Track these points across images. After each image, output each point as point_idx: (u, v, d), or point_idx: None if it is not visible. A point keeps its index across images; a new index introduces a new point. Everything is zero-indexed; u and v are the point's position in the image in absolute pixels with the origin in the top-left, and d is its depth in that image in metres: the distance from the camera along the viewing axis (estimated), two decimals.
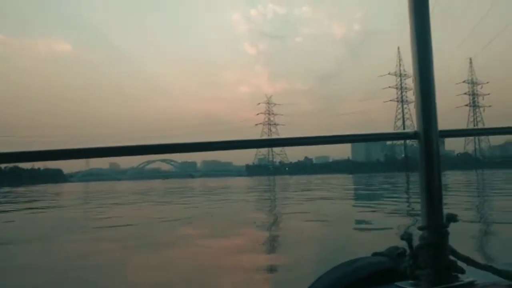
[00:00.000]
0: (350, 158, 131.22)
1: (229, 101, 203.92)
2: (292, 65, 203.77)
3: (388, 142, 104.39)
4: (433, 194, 0.96)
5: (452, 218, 0.93)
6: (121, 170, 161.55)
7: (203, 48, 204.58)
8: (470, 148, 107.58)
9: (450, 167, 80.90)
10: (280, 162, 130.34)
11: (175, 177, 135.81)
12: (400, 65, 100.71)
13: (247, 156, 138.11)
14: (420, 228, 0.94)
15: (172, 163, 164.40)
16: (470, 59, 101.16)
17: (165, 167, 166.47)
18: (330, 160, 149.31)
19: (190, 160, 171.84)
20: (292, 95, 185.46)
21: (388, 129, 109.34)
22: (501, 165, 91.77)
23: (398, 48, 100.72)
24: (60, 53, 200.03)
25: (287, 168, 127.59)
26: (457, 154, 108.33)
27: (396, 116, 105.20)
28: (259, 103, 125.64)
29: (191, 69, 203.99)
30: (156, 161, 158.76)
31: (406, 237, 0.92)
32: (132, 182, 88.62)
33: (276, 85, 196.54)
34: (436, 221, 0.94)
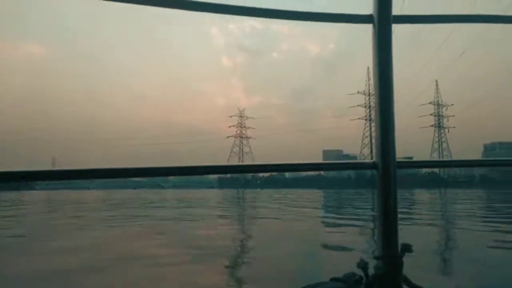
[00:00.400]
0: (322, 173, 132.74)
1: (205, 112, 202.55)
2: (268, 79, 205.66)
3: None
4: (389, 225, 0.98)
5: (407, 248, 0.96)
6: (88, 180, 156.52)
7: (181, 60, 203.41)
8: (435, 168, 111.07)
9: (418, 185, 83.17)
10: (252, 176, 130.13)
11: (144, 187, 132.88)
12: (368, 84, 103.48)
13: None
14: (375, 258, 0.96)
15: None
16: (436, 81, 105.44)
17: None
18: (303, 174, 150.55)
19: None
20: (267, 109, 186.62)
21: (357, 145, 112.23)
22: (464, 184, 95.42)
23: (368, 68, 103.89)
24: (33, 56, 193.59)
25: (258, 181, 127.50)
26: (425, 173, 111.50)
27: (363, 134, 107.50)
28: (231, 116, 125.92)
29: (169, 79, 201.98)
30: None
31: (362, 265, 0.94)
32: (99, 192, 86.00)
33: (252, 98, 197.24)
34: (391, 251, 0.96)
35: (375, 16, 1.04)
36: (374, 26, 1.04)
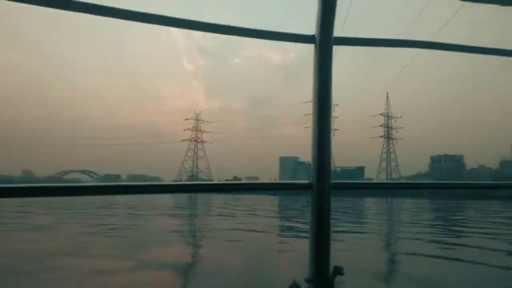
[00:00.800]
0: (278, 179, 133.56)
1: (164, 114, 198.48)
2: (229, 85, 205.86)
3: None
4: (321, 247, 0.98)
5: (338, 270, 0.96)
6: (35, 179, 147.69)
7: (141, 60, 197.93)
8: (383, 177, 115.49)
9: (367, 194, 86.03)
10: (208, 178, 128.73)
11: None
12: None
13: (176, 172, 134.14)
14: (306, 281, 0.96)
15: (92, 174, 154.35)
16: (387, 93, 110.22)
17: (86, 178, 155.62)
18: (260, 181, 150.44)
19: (113, 173, 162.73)
20: (227, 114, 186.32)
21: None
22: (410, 194, 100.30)
23: None
24: None
25: None
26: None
27: None
28: (187, 119, 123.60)
29: (128, 79, 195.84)
30: (74, 171, 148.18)
31: None
32: None
33: (211, 102, 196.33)
34: (323, 274, 0.96)
35: (317, 37, 1.08)
36: (316, 46, 1.08)
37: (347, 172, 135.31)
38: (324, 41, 1.08)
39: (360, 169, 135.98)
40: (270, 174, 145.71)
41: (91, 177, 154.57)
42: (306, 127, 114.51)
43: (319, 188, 1.03)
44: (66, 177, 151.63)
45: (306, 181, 1.08)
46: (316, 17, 1.09)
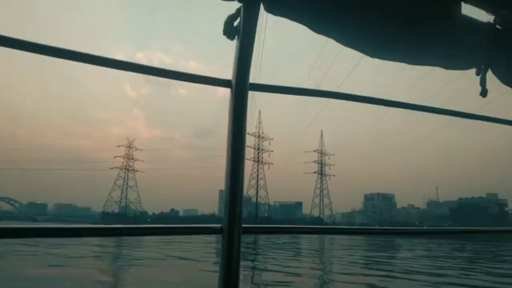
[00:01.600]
0: (216, 213, 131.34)
1: (98, 140, 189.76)
2: (172, 114, 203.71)
3: (253, 201, 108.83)
4: None
5: None
6: None
7: (79, 83, 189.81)
8: (316, 213, 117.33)
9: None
10: (141, 213, 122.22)
11: (14, 219, 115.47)
12: (259, 127, 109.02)
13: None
14: None
15: (12, 202, 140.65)
16: (321, 131, 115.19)
17: (7, 206, 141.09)
18: (199, 214, 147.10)
19: (39, 202, 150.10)
20: (168, 143, 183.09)
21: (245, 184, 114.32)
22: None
23: (260, 111, 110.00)
24: None
25: (149, 219, 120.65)
26: (311, 217, 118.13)
27: (251, 175, 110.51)
28: (119, 145, 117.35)
29: (62, 103, 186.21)
30: None
31: None
32: None
33: (152, 131, 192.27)
34: None
35: (233, 82, 1.14)
36: (232, 91, 1.15)
37: (285, 207, 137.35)
38: (240, 86, 1.14)
39: (298, 204, 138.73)
40: (211, 208, 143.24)
41: (12, 205, 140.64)
42: (246, 159, 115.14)
43: (229, 232, 1.03)
44: None
45: (218, 225, 1.07)
46: (232, 63, 1.16)
